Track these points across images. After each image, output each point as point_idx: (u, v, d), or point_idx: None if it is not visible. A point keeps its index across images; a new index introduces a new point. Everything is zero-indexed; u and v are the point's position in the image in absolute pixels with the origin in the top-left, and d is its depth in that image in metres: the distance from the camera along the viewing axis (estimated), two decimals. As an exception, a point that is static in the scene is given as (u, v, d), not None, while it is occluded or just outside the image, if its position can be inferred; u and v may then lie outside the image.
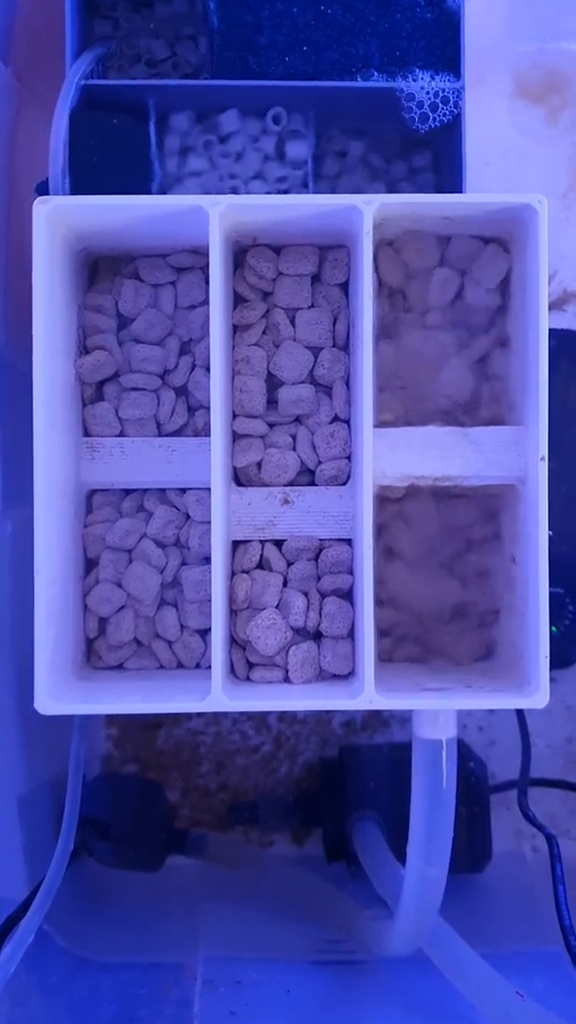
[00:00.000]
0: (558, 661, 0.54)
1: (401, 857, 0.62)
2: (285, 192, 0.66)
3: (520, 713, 0.70)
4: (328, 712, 0.77)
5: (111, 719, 0.77)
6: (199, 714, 0.76)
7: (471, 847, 0.71)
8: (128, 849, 0.71)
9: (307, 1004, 0.62)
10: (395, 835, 0.67)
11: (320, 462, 0.58)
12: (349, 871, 0.70)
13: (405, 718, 0.77)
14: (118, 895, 0.72)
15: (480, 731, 0.77)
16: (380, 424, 0.57)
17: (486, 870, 0.72)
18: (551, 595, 0.54)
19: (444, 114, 0.63)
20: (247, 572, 0.58)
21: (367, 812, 0.69)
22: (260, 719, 0.77)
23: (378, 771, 0.71)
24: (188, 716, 0.77)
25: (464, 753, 0.65)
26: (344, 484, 0.59)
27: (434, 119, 0.63)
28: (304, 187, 0.66)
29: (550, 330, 0.54)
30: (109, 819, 0.71)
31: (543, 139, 0.77)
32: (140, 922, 0.70)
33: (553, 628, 0.55)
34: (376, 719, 0.77)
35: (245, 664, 0.58)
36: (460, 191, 0.63)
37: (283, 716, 0.77)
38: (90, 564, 0.60)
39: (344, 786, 0.71)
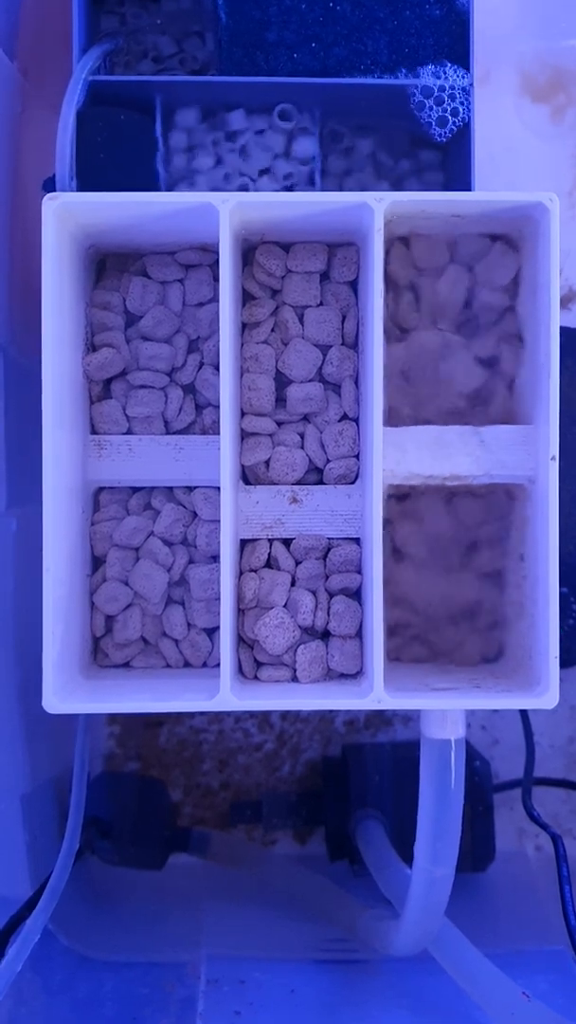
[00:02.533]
0: (563, 661, 0.53)
1: (404, 856, 0.62)
2: (290, 189, 0.65)
3: (524, 713, 0.70)
4: (331, 710, 0.77)
5: (113, 717, 0.77)
6: (202, 712, 0.75)
7: (474, 846, 0.71)
8: (130, 847, 0.71)
9: (312, 1004, 0.62)
10: (398, 834, 0.67)
11: (329, 460, 0.58)
12: (352, 870, 0.70)
13: (408, 717, 0.77)
14: (121, 894, 0.72)
15: (483, 730, 0.77)
16: (389, 423, 0.57)
17: (489, 869, 0.72)
18: (556, 595, 0.54)
19: (453, 111, 0.63)
20: (255, 571, 0.58)
21: (370, 811, 0.69)
22: (263, 717, 0.77)
23: (381, 770, 0.70)
24: (191, 714, 0.77)
25: (469, 752, 0.65)
26: (353, 483, 0.58)
27: (447, 123, 0.62)
28: (311, 184, 0.65)
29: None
30: (111, 817, 0.71)
31: (548, 137, 0.77)
32: (143, 921, 0.70)
33: (559, 628, 0.54)
34: (379, 718, 0.77)
35: (253, 663, 0.58)
36: (468, 188, 0.63)
37: (286, 714, 0.77)
38: (97, 562, 0.60)
39: (347, 785, 0.71)
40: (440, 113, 0.63)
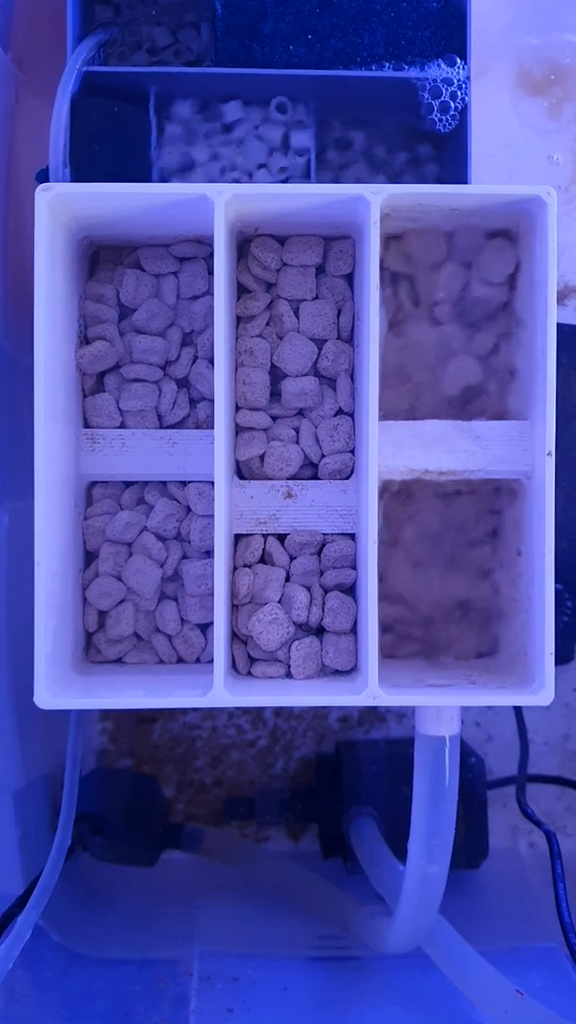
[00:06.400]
0: (557, 657, 0.53)
1: (398, 853, 0.62)
2: (286, 182, 0.65)
3: (518, 709, 0.70)
4: (325, 707, 0.76)
5: (106, 713, 0.77)
6: (195, 708, 0.75)
7: (468, 843, 0.71)
8: (123, 844, 0.70)
9: (304, 1001, 0.62)
10: (392, 831, 0.67)
11: (323, 456, 0.58)
12: (345, 867, 0.70)
13: (402, 714, 0.77)
14: (113, 890, 0.72)
15: (477, 727, 0.77)
16: (384, 417, 0.56)
17: (483, 866, 0.72)
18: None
19: (449, 105, 0.62)
20: (249, 566, 0.57)
21: (364, 808, 0.69)
22: (256, 713, 0.77)
23: (375, 767, 0.70)
24: (184, 710, 0.76)
25: (463, 749, 0.65)
26: (348, 478, 0.58)
27: (446, 115, 0.62)
28: (306, 177, 0.65)
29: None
30: (104, 814, 0.70)
31: (545, 131, 0.76)
32: (136, 918, 0.70)
33: (553, 624, 0.54)
34: (373, 714, 0.77)
35: (247, 659, 0.57)
36: (465, 182, 0.62)
37: (279, 711, 0.77)
38: (90, 557, 0.59)
39: (341, 781, 0.70)
40: (437, 107, 0.62)
